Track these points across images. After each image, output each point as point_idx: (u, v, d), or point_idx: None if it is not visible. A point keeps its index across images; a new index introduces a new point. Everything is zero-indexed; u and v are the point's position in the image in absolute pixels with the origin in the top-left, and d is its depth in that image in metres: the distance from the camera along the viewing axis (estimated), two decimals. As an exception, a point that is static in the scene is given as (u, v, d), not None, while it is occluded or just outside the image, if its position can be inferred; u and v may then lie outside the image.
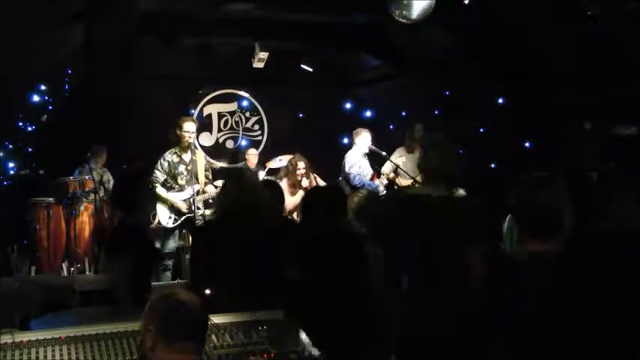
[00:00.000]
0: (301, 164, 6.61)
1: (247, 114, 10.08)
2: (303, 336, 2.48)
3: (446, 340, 2.73)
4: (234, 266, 3.23)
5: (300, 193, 6.45)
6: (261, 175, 7.83)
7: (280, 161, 8.20)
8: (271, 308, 2.72)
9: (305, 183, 6.57)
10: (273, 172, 8.48)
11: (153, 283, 5.43)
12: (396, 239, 2.92)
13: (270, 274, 3.25)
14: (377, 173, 7.21)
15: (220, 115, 9.94)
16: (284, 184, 6.71)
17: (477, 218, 2.89)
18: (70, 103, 7.83)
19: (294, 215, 6.45)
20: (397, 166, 7.06)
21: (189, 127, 6.06)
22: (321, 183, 6.99)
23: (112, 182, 7.61)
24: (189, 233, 6.19)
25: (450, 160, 2.99)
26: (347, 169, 7.00)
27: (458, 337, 2.69)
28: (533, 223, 2.35)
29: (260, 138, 10.12)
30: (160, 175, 6.02)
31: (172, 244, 6.11)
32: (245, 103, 10.07)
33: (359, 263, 3.45)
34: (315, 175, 6.95)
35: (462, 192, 5.16)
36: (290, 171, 6.67)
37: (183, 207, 5.95)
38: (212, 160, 9.29)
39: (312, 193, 4.36)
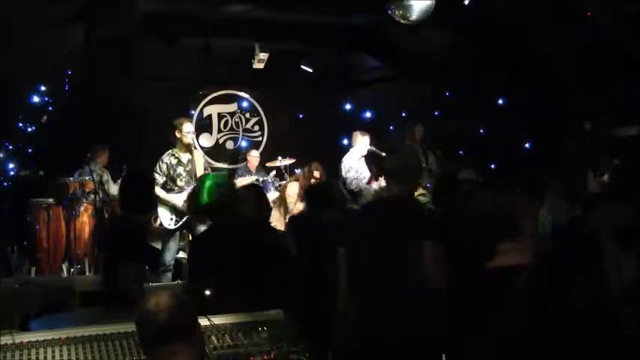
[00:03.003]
0: (317, 173, 6.68)
1: (247, 115, 10.08)
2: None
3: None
4: (227, 271, 3.24)
5: None
6: (252, 178, 7.84)
7: (280, 162, 8.21)
8: (271, 309, 2.72)
9: None
10: (271, 170, 8.49)
11: (154, 284, 5.46)
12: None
13: (263, 277, 3.27)
14: (374, 175, 7.20)
15: (220, 116, 9.94)
16: (295, 187, 6.74)
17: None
18: (70, 104, 7.83)
19: None
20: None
21: (188, 127, 6.06)
22: None
23: (111, 182, 7.61)
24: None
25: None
26: (343, 173, 7.00)
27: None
28: None
29: (260, 139, 10.12)
30: (159, 178, 6.01)
31: (174, 245, 6.10)
32: (245, 104, 10.07)
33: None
34: None
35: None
36: (305, 176, 6.74)
37: (181, 206, 5.94)
38: (211, 160, 9.29)
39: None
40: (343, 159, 7.11)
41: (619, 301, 2.37)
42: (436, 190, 4.34)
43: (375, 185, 7.04)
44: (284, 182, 7.41)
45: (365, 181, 7.03)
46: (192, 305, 2.09)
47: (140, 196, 4.02)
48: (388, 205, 3.09)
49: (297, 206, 6.53)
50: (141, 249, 3.92)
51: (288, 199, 6.71)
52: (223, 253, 3.34)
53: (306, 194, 4.39)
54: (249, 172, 8.78)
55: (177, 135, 6.04)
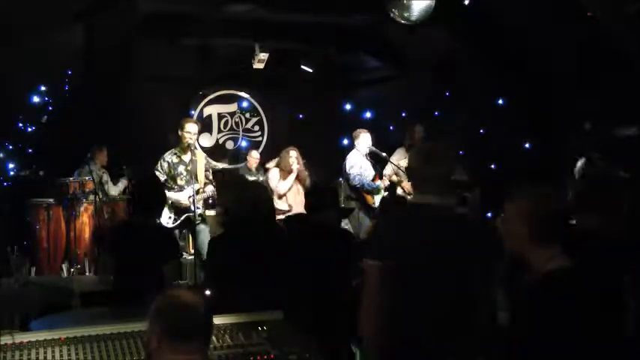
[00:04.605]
0: (293, 153, 6.86)
1: (247, 115, 10.09)
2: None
3: None
4: (253, 270, 3.27)
5: (291, 178, 6.72)
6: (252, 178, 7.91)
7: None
8: (272, 309, 2.72)
9: (295, 167, 6.80)
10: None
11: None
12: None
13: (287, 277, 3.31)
14: (379, 174, 7.20)
15: (220, 116, 9.94)
16: (276, 171, 6.87)
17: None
18: (70, 104, 7.82)
19: (286, 199, 6.75)
20: (398, 168, 7.05)
21: (190, 128, 6.06)
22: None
23: (110, 183, 7.60)
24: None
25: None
26: (347, 169, 7.01)
27: None
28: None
29: (260, 139, 10.12)
30: (160, 176, 6.02)
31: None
32: (245, 104, 10.07)
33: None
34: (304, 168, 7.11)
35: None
36: (282, 157, 6.92)
37: (186, 203, 5.95)
38: (212, 161, 9.28)
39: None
40: (347, 156, 7.14)
41: None
42: None
43: (378, 182, 7.05)
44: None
45: (369, 178, 7.04)
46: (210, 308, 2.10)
47: (157, 198, 4.09)
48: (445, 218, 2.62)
49: (279, 185, 6.68)
50: (175, 247, 4.01)
51: (271, 183, 6.85)
52: (244, 253, 3.37)
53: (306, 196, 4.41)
54: (250, 172, 8.80)
55: (179, 133, 6.06)
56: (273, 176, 6.92)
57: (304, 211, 6.14)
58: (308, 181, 6.95)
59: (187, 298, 2.02)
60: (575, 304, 2.13)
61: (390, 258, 2.56)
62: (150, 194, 4.09)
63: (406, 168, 2.82)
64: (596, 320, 2.13)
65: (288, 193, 6.75)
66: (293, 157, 6.88)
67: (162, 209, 4.32)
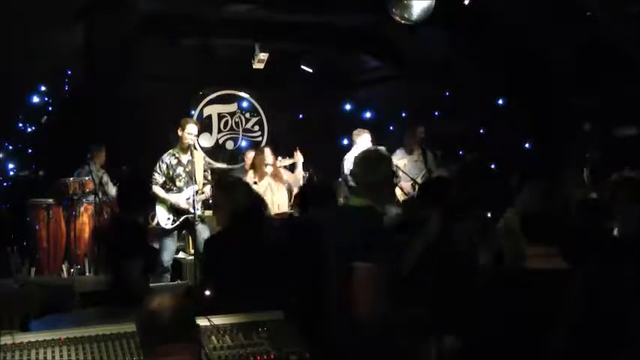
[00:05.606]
0: (267, 151, 6.84)
1: (247, 115, 10.08)
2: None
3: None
4: (251, 271, 3.27)
5: (266, 180, 6.64)
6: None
7: (280, 162, 8.22)
8: (272, 309, 2.72)
9: (269, 169, 6.75)
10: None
11: (152, 284, 5.45)
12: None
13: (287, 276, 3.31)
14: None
15: (220, 116, 9.94)
16: (251, 173, 6.83)
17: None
18: (70, 104, 7.82)
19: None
20: (398, 168, 7.05)
21: (191, 129, 6.06)
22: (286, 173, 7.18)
23: (110, 184, 7.60)
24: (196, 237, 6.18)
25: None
26: (345, 170, 7.01)
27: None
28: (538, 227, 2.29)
29: (260, 139, 10.12)
30: (158, 178, 6.02)
31: (171, 245, 6.10)
32: (245, 104, 10.07)
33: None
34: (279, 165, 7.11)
35: None
36: (256, 156, 6.94)
37: (184, 204, 5.94)
38: (211, 161, 9.28)
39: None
40: (346, 156, 7.14)
41: None
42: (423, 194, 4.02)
43: None
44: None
45: None
46: (192, 307, 2.11)
47: (136, 196, 4.08)
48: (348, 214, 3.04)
49: (254, 187, 6.67)
50: (141, 246, 3.96)
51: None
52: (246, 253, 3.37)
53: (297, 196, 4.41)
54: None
55: (179, 133, 6.06)
56: (249, 178, 6.86)
57: (286, 209, 6.14)
58: (285, 178, 6.94)
59: (154, 304, 2.06)
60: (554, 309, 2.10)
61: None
62: (134, 193, 4.09)
63: (350, 172, 3.13)
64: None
65: (266, 192, 6.66)
66: (267, 159, 6.83)
67: (144, 206, 4.32)
